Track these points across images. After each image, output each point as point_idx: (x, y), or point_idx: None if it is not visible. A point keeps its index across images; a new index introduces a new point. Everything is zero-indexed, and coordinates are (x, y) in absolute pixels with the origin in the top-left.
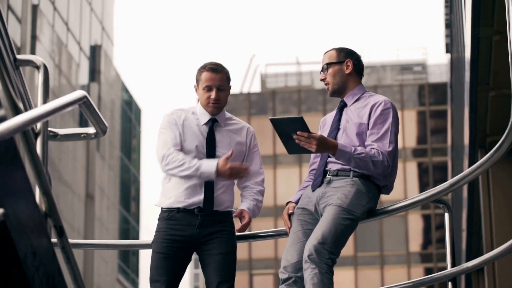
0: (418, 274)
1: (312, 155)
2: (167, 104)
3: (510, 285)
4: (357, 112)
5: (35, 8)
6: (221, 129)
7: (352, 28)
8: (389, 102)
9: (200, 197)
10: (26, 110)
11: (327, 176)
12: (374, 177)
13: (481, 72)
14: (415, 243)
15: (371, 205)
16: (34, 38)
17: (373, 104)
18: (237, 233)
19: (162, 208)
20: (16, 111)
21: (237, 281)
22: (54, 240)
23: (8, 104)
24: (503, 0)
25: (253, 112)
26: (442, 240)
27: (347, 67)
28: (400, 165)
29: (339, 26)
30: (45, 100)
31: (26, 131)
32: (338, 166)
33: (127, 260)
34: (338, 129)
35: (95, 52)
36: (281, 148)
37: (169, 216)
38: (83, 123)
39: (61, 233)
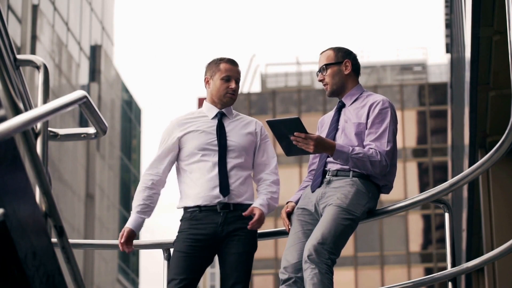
0: (418, 274)
1: (311, 155)
2: (167, 104)
3: (510, 285)
4: (355, 112)
5: (35, 8)
6: (229, 121)
7: (352, 28)
8: (387, 102)
9: (217, 188)
10: (26, 110)
11: (326, 176)
12: (374, 176)
13: (481, 72)
14: (415, 243)
15: (371, 205)
16: (34, 38)
17: (371, 104)
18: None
19: (184, 208)
20: (16, 111)
21: None
22: (54, 240)
23: (8, 104)
24: (503, 0)
25: (253, 112)
26: (442, 240)
27: (346, 68)
28: (400, 165)
29: (339, 26)
30: (45, 100)
31: (26, 131)
32: (338, 166)
33: (127, 260)
34: (337, 129)
35: (95, 52)
36: (281, 149)
37: (191, 216)
38: (83, 123)
39: (61, 233)
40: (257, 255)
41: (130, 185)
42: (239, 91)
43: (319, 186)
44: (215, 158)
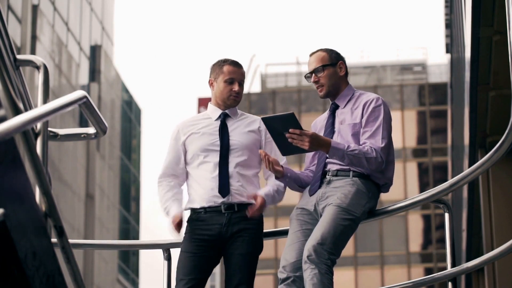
0: (418, 274)
1: (307, 161)
2: (167, 104)
3: (510, 285)
4: (350, 113)
5: (35, 8)
6: (233, 121)
7: (352, 28)
8: (380, 99)
9: (216, 188)
10: (26, 110)
11: (326, 177)
12: (374, 176)
13: (481, 72)
14: (415, 243)
15: (371, 204)
16: (34, 38)
17: (364, 103)
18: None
19: (190, 210)
20: (16, 111)
21: None
22: (54, 240)
23: (8, 104)
24: (503, 0)
25: (253, 112)
26: (442, 240)
27: (341, 69)
28: (400, 165)
29: (339, 26)
30: (45, 100)
31: (26, 131)
32: (337, 167)
33: (127, 260)
34: (333, 132)
35: (95, 52)
36: None
37: (197, 217)
38: (83, 123)
39: (61, 233)
40: None
41: (130, 185)
42: None
43: (319, 188)
44: (217, 158)
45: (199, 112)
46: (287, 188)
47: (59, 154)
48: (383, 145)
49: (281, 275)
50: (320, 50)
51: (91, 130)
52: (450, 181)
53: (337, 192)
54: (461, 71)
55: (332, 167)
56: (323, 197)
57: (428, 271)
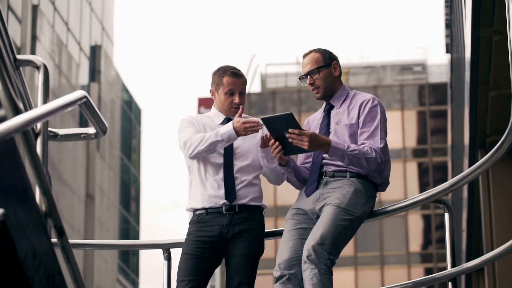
0: (418, 274)
1: (301, 156)
2: (167, 104)
3: (510, 285)
4: (346, 113)
5: (35, 8)
6: None
7: (352, 28)
8: (375, 99)
9: (222, 191)
10: (26, 110)
11: (323, 178)
12: (371, 175)
13: (481, 72)
14: (415, 243)
15: (370, 204)
16: (34, 38)
17: (360, 103)
18: None
19: (192, 211)
20: (16, 111)
21: None
22: (54, 240)
23: (8, 104)
24: (503, 0)
25: (253, 112)
26: (442, 240)
27: (335, 70)
28: (400, 165)
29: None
30: (45, 100)
31: (26, 131)
32: (334, 168)
33: (127, 260)
34: (329, 132)
35: (95, 52)
36: None
37: (198, 219)
38: (83, 123)
39: (61, 233)
40: None
41: (130, 185)
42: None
43: (316, 189)
44: (219, 160)
45: (199, 112)
46: (287, 187)
47: (59, 154)
48: (381, 145)
49: (276, 273)
50: (314, 51)
51: (91, 130)
52: (450, 181)
53: (336, 193)
54: (461, 71)
55: (328, 168)
56: (321, 198)
57: (428, 271)
